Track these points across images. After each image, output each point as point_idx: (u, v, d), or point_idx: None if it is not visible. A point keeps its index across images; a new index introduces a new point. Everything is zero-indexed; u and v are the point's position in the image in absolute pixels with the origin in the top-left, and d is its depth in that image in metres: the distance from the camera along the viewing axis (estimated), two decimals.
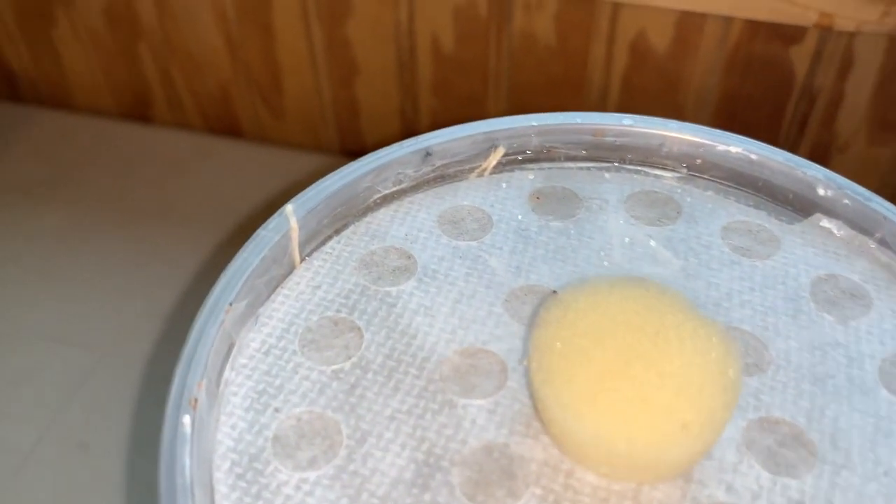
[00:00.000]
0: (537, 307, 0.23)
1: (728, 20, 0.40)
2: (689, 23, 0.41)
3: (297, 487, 0.19)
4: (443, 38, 0.45)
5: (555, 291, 0.24)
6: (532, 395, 0.20)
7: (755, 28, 0.40)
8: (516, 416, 0.21)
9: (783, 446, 0.20)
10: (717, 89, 0.43)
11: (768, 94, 0.43)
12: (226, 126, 0.53)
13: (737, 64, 0.42)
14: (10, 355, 0.39)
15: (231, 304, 0.22)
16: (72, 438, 0.35)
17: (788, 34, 0.40)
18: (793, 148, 0.44)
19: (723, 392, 0.18)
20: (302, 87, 0.50)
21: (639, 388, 0.18)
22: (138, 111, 0.54)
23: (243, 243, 0.23)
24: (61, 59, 0.53)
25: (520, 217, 0.26)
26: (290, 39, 0.47)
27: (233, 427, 0.21)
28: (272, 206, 0.24)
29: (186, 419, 0.19)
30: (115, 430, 0.35)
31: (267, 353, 0.22)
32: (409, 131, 0.50)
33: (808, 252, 0.25)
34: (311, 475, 0.20)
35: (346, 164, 0.26)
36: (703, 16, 0.41)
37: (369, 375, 0.22)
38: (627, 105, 0.45)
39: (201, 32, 0.49)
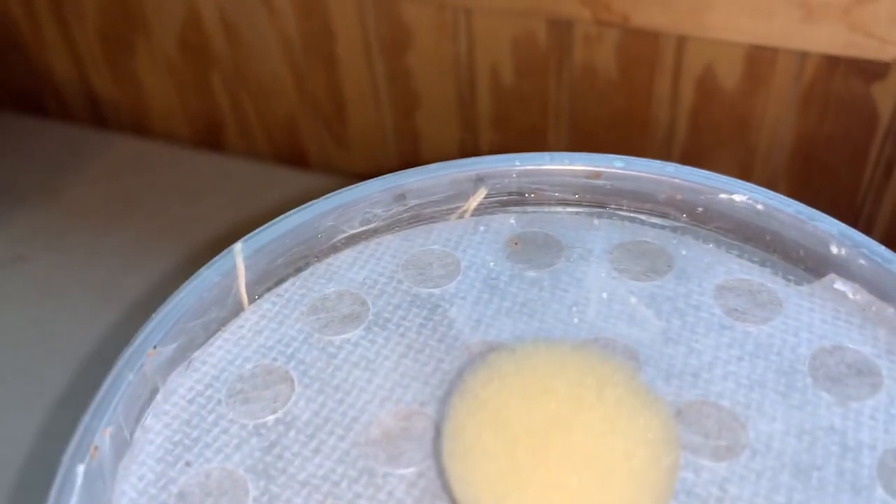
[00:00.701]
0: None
1: (803, 55, 0.37)
2: (759, 57, 0.38)
3: None
4: (502, 70, 0.44)
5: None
6: (442, 468, 0.18)
7: (833, 63, 0.37)
8: (439, 489, 0.19)
9: None
10: (792, 129, 0.40)
11: (849, 134, 0.39)
12: (293, 154, 0.54)
13: (814, 102, 0.39)
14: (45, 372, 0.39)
15: (155, 348, 0.21)
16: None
17: (870, 70, 0.37)
18: (878, 193, 0.40)
19: (650, 485, 0.16)
20: (365, 118, 0.50)
21: (555, 475, 0.16)
22: (211, 138, 0.55)
23: None
24: (141, 85, 0.54)
25: (492, 264, 0.24)
26: (354, 70, 0.47)
27: (140, 478, 0.19)
28: None
29: (80, 468, 0.18)
30: None
31: (191, 402, 0.21)
32: None
33: (814, 318, 0.22)
34: None
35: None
36: (774, 50, 0.38)
37: (291, 433, 0.20)
38: (696, 143, 0.43)
39: (269, 62, 0.49)
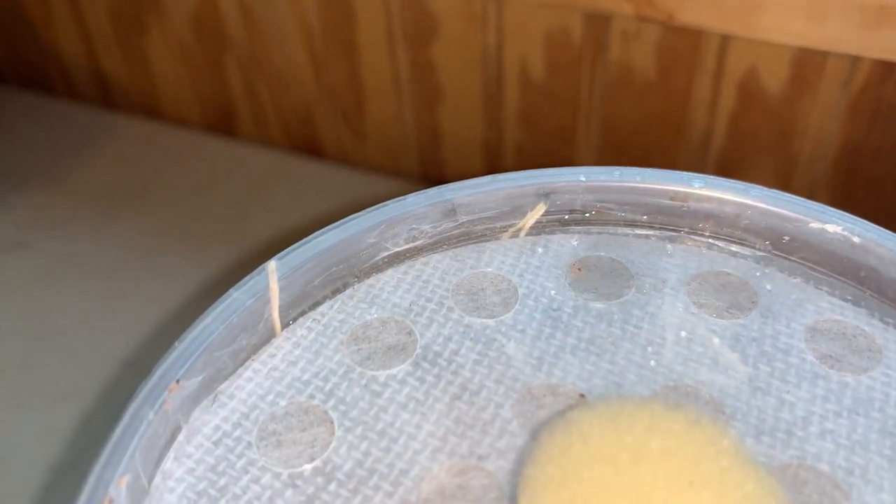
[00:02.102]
0: (551, 417, 0.18)
1: (855, 60, 0.35)
2: (807, 61, 0.36)
3: None
4: (532, 65, 0.41)
5: (582, 395, 0.19)
6: None
7: (888, 70, 0.34)
8: None
9: None
10: (837, 138, 0.37)
11: None
12: (308, 144, 0.51)
13: (862, 110, 0.36)
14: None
15: (178, 382, 0.18)
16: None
17: None
18: None
19: None
20: (385, 110, 0.47)
21: None
22: (223, 124, 0.53)
23: None
24: (151, 67, 0.52)
25: (553, 292, 0.21)
26: (375, 59, 0.45)
27: None
28: None
29: None
30: None
31: (218, 444, 0.18)
32: (491, 163, 0.47)
33: None
34: None
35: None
36: (824, 54, 0.35)
37: (331, 486, 0.18)
38: (734, 150, 0.40)
39: (287, 48, 0.47)
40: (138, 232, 0.44)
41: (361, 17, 0.43)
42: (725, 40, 0.37)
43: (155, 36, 0.50)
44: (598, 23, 0.38)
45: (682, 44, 0.37)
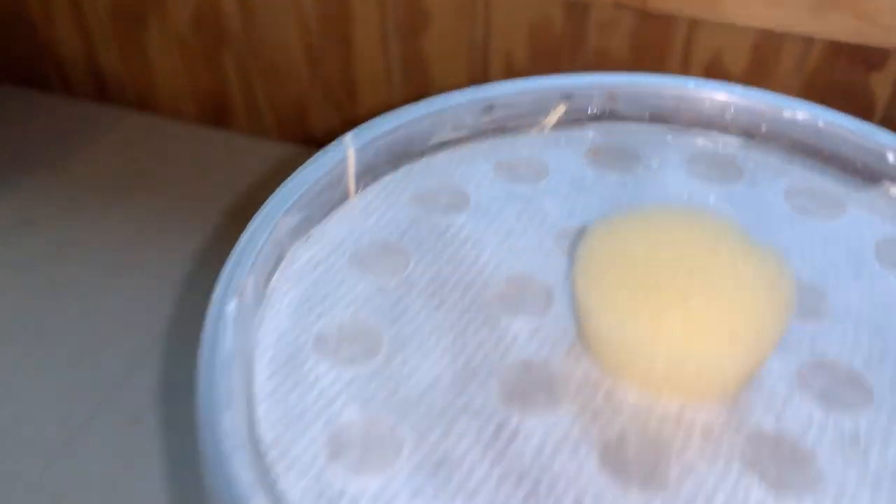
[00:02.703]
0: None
1: (808, 41, 0.39)
2: (766, 45, 0.40)
3: (334, 382, 0.19)
4: (517, 54, 0.45)
5: None
6: (575, 307, 0.20)
7: (836, 51, 0.39)
8: (559, 338, 0.20)
9: (838, 385, 0.19)
10: None
11: None
12: (300, 137, 0.55)
13: (815, 90, 0.41)
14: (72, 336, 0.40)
15: (284, 216, 0.22)
16: (126, 413, 0.36)
17: (870, 59, 0.39)
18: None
19: (774, 305, 0.18)
20: (377, 100, 0.50)
21: (684, 297, 0.18)
22: (218, 118, 0.56)
23: None
24: (150, 63, 0.55)
25: (575, 169, 0.26)
26: (368, 53, 0.48)
27: (276, 327, 0.21)
28: None
29: (231, 305, 0.19)
30: (170, 407, 0.36)
31: (315, 267, 0.22)
32: None
33: (875, 218, 0.24)
34: (349, 372, 0.19)
35: None
36: (782, 36, 0.40)
37: (413, 293, 0.22)
38: None
39: (284, 43, 0.50)
40: (146, 211, 0.47)
41: (358, 12, 0.47)
42: (693, 25, 0.41)
43: (154, 31, 0.53)
44: (578, 12, 0.42)
45: (654, 31, 0.42)
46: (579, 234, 0.23)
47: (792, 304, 0.18)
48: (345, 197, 0.25)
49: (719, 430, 0.18)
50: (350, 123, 0.51)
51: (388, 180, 0.25)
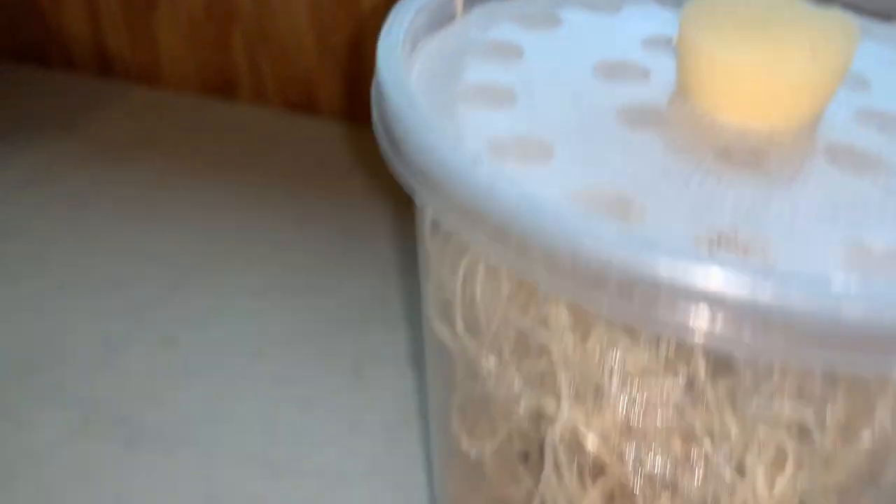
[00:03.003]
0: None
1: None
2: None
3: (483, 118, 0.23)
4: None
5: None
6: (680, 54, 0.24)
7: None
8: (661, 95, 0.24)
9: (892, 123, 0.24)
10: None
11: None
12: (306, 107, 0.56)
13: None
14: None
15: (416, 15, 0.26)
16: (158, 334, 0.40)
17: None
18: None
19: (847, 43, 0.22)
20: None
21: (773, 28, 0.22)
22: (222, 97, 0.57)
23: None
24: (157, 44, 0.56)
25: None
26: (378, 25, 0.51)
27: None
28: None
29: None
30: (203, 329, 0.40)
31: (441, 58, 0.26)
32: None
33: None
34: (493, 114, 0.23)
35: None
36: None
37: (534, 68, 0.26)
38: None
39: (293, 20, 0.52)
40: (153, 168, 0.50)
41: None
42: None
43: (163, 11, 0.54)
44: None
45: None
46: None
47: (856, 45, 0.22)
48: (454, 15, 0.29)
49: (805, 141, 0.22)
50: (356, 94, 0.55)
51: (488, 6, 0.29)
